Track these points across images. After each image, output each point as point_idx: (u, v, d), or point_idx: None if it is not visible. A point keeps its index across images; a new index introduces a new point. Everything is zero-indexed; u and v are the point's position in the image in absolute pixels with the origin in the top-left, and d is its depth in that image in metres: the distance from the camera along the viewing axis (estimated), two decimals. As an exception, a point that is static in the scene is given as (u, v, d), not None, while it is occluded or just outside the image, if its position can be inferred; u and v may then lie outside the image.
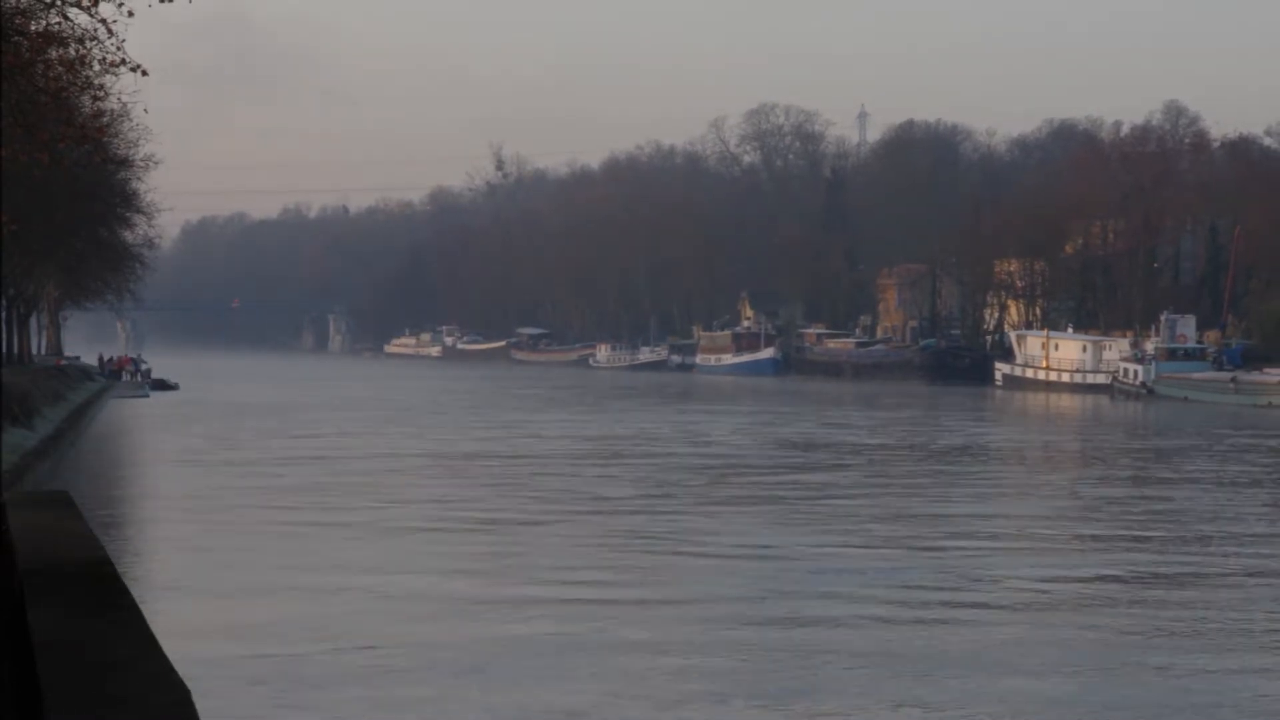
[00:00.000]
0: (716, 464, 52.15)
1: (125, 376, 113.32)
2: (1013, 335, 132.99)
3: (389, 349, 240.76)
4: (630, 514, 37.32)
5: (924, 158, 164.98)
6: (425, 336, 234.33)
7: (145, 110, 70.52)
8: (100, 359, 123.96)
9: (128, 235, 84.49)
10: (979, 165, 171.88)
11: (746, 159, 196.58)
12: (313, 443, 60.60)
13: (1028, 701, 18.33)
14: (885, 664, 19.96)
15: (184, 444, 59.50)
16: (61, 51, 28.36)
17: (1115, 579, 27.20)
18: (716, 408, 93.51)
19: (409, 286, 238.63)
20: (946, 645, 21.15)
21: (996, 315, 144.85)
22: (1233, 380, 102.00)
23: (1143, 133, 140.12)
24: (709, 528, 34.21)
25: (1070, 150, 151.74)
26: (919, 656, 20.75)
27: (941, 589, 25.96)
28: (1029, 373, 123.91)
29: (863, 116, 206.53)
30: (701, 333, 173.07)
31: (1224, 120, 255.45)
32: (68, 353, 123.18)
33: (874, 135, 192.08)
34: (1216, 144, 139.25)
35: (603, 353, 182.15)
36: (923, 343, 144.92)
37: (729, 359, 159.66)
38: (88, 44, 27.71)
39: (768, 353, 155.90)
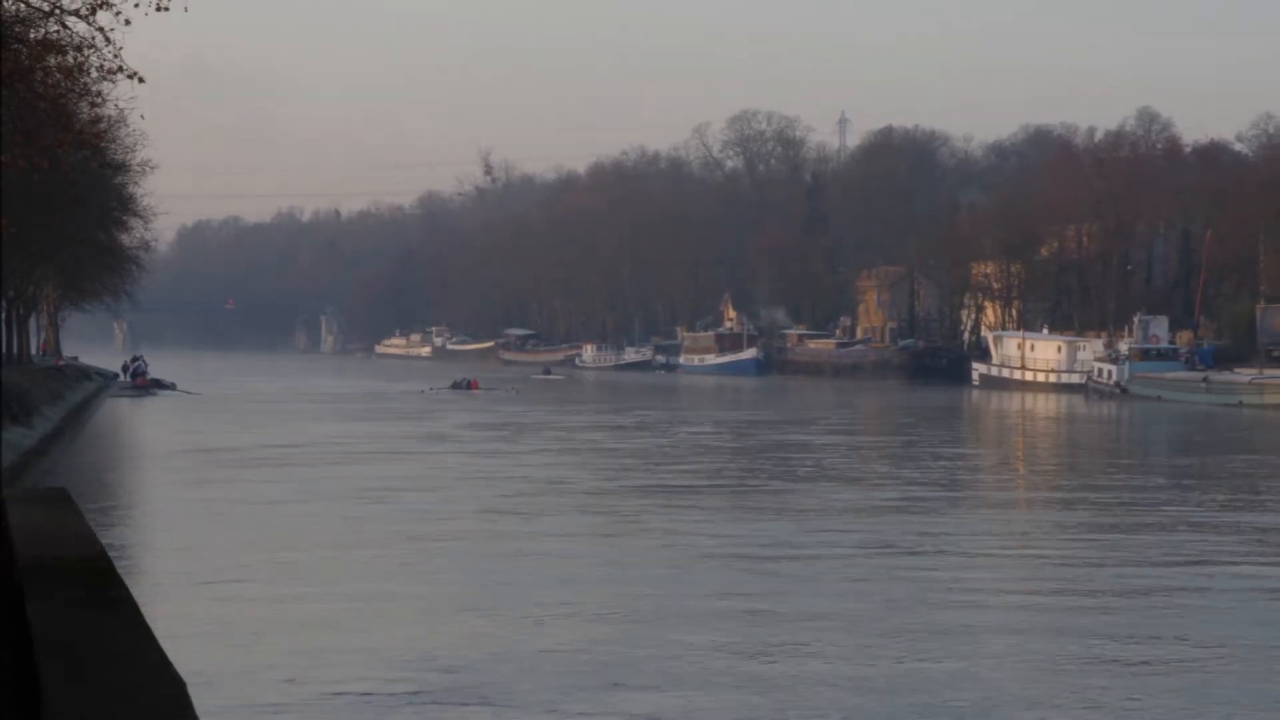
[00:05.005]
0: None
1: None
2: (989, 336, 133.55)
3: (380, 349, 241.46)
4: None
5: (902, 162, 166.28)
6: (415, 337, 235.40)
7: (142, 116, 72.04)
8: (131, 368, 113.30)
9: (125, 238, 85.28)
10: (956, 170, 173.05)
11: (729, 164, 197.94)
12: (307, 440, 61.01)
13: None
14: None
15: (182, 441, 59.57)
16: (60, 59, 28.24)
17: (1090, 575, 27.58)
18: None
19: (399, 288, 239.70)
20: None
21: (973, 316, 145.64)
22: (1205, 380, 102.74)
23: (1116, 138, 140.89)
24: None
25: (1045, 155, 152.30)
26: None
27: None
28: (1005, 373, 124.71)
29: (843, 122, 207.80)
30: (685, 333, 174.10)
31: (1196, 126, 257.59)
32: (66, 353, 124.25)
33: (854, 141, 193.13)
34: (1188, 149, 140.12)
35: (588, 353, 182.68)
36: (901, 343, 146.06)
37: (712, 359, 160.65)
38: (86, 51, 27.76)
39: (750, 353, 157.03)
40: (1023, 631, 21.81)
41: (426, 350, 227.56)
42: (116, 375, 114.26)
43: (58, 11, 28.09)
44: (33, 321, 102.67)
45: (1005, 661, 19.90)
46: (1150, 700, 18.08)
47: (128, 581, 7.07)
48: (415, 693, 17.99)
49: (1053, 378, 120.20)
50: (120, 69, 27.19)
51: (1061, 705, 17.86)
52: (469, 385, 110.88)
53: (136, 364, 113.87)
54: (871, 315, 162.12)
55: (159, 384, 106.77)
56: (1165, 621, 22.65)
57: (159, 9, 26.67)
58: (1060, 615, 23.19)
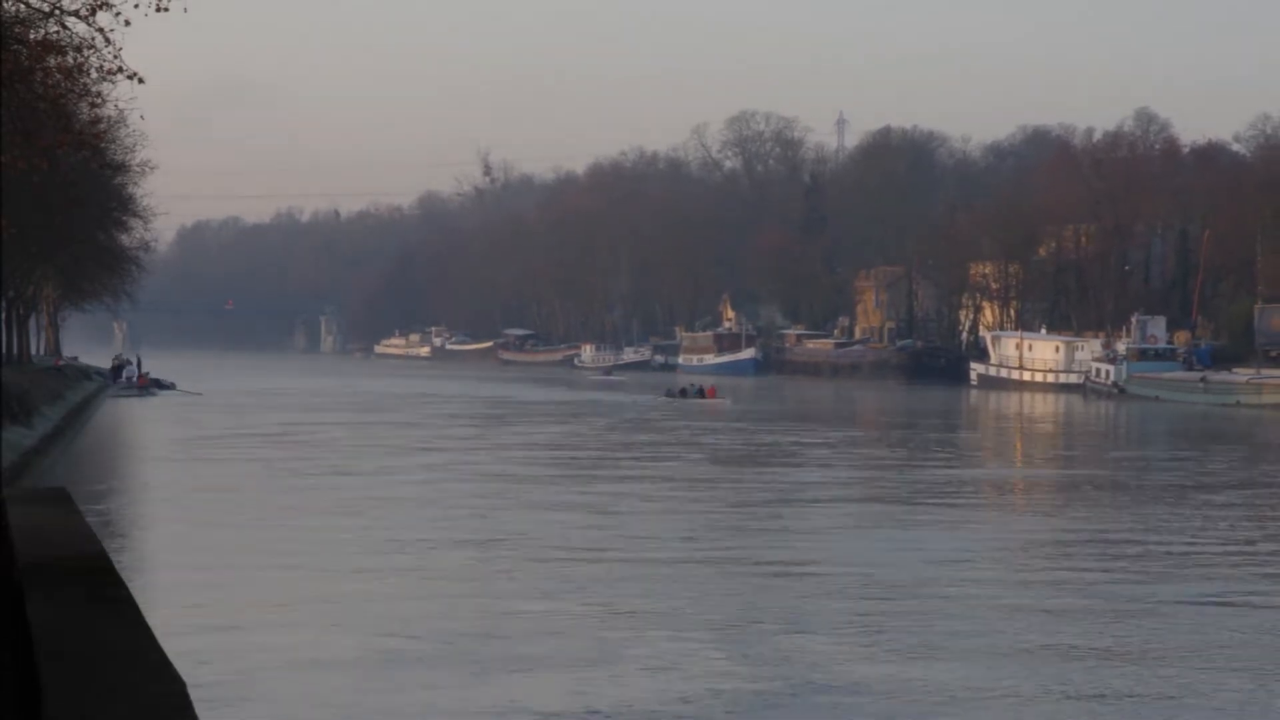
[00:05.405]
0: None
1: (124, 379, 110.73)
2: (988, 336, 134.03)
3: (379, 349, 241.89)
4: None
5: (901, 163, 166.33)
6: (414, 337, 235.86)
7: (142, 117, 72.12)
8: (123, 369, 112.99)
9: (124, 239, 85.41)
10: (954, 170, 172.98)
11: (728, 164, 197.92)
12: (304, 437, 61.31)
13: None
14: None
15: (181, 440, 59.71)
16: (60, 59, 28.28)
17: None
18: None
19: (399, 288, 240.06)
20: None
21: (971, 317, 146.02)
22: (1202, 380, 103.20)
23: (1114, 139, 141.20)
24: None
25: (1044, 156, 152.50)
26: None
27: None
28: (1003, 373, 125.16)
29: (841, 123, 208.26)
30: (684, 333, 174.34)
31: (1193, 127, 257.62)
32: (66, 353, 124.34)
33: (852, 141, 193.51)
34: (1186, 150, 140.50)
35: (587, 353, 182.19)
36: (900, 343, 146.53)
37: (710, 359, 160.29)
38: (85, 52, 27.80)
39: (748, 353, 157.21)
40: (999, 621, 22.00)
41: (425, 350, 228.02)
42: (116, 376, 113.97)
43: (58, 12, 28.06)
44: (33, 321, 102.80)
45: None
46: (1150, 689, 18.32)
47: (127, 581, 7.06)
48: (417, 690, 18.07)
49: (1051, 378, 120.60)
50: (120, 69, 27.20)
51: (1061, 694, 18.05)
52: (703, 393, 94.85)
53: (126, 363, 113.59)
54: (870, 315, 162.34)
55: (159, 384, 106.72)
56: (1163, 617, 22.85)
57: (159, 10, 26.73)
58: (1053, 605, 23.38)
